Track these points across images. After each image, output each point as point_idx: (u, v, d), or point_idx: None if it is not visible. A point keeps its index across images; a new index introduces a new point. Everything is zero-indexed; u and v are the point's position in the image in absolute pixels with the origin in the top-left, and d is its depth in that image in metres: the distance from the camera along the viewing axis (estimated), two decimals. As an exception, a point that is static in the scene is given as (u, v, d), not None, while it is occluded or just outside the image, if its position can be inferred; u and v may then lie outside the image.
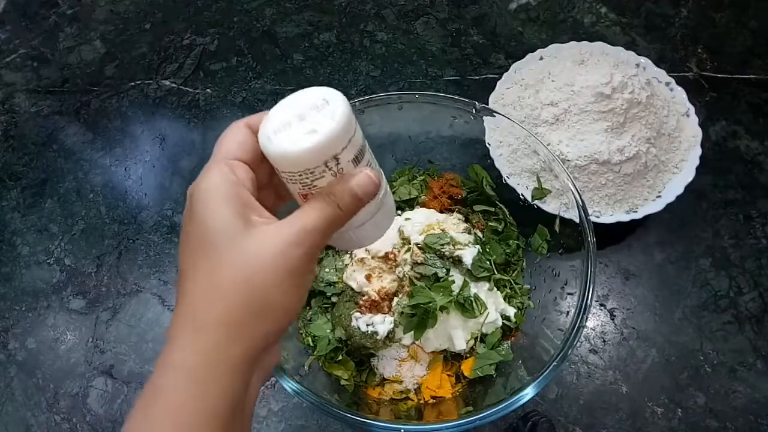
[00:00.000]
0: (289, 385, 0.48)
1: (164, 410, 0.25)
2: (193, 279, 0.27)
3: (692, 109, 0.72)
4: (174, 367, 0.26)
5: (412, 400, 0.57)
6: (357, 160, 0.29)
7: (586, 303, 0.50)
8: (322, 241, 0.29)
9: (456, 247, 0.57)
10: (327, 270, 0.60)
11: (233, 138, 0.29)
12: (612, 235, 0.71)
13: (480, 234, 0.62)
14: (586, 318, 0.49)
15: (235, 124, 0.30)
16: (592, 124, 0.66)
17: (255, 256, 0.26)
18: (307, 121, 0.28)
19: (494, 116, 0.59)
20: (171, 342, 0.26)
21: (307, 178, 0.28)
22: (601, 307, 0.69)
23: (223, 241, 0.26)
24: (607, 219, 0.68)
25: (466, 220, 0.64)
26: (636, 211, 0.68)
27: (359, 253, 0.59)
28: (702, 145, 0.70)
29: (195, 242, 0.27)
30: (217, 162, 0.28)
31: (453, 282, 0.54)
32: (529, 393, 0.47)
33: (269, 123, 0.29)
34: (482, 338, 0.57)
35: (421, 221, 0.60)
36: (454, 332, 0.55)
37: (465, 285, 0.55)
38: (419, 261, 0.56)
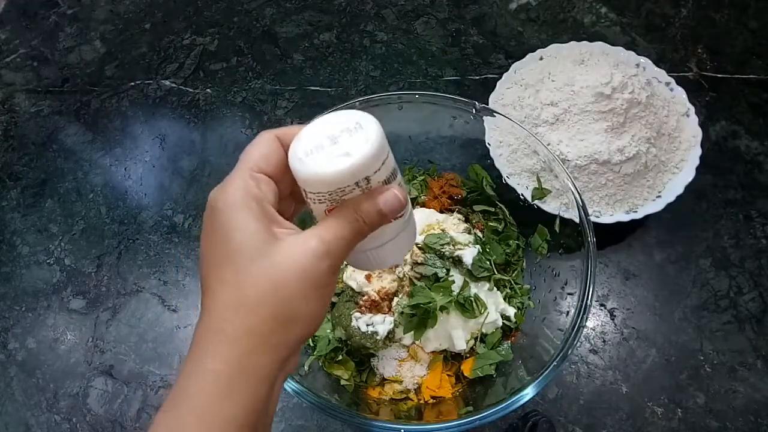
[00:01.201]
0: (289, 385, 0.48)
1: (191, 413, 0.26)
2: (220, 291, 0.27)
3: (692, 109, 0.72)
4: (203, 373, 0.26)
5: (412, 400, 0.57)
6: (387, 181, 0.29)
7: (586, 303, 0.50)
8: (346, 253, 0.29)
9: (456, 247, 0.57)
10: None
11: (260, 149, 0.29)
12: (612, 235, 0.71)
13: (480, 234, 0.62)
14: (586, 318, 0.50)
15: (265, 134, 0.30)
16: (592, 124, 0.66)
17: (282, 269, 0.27)
18: (339, 144, 0.28)
19: (494, 116, 0.59)
20: (198, 351, 0.27)
21: (337, 195, 0.29)
22: (601, 307, 0.69)
23: (249, 253, 0.27)
24: (607, 219, 0.68)
25: (466, 220, 0.64)
26: (636, 211, 0.68)
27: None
28: (702, 145, 0.70)
29: (220, 255, 0.28)
30: (241, 173, 0.29)
31: (453, 282, 0.55)
32: (529, 393, 0.47)
33: (300, 144, 0.29)
34: (482, 338, 0.57)
35: (421, 221, 0.60)
36: (454, 332, 0.55)
37: (465, 285, 0.55)
38: (419, 261, 0.56)
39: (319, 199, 0.29)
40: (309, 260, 0.27)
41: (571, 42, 0.77)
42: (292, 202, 0.33)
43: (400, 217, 0.31)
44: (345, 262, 0.54)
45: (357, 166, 0.27)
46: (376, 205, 0.29)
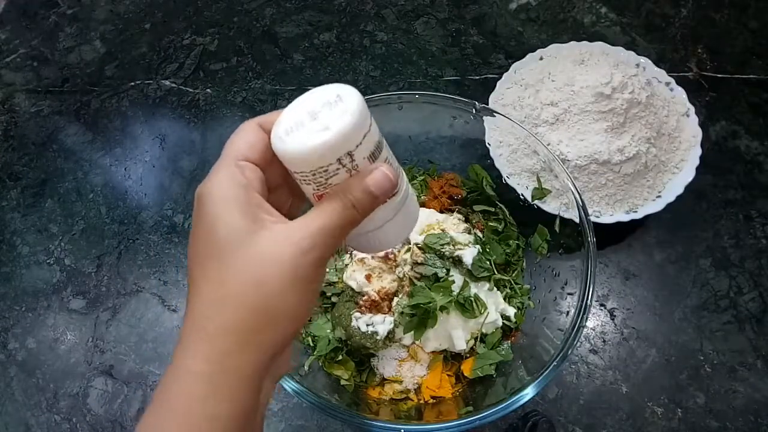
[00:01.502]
0: (289, 385, 0.48)
1: (173, 414, 0.25)
2: (203, 285, 0.26)
3: (692, 109, 0.72)
4: (185, 373, 0.26)
5: (412, 400, 0.57)
6: (373, 156, 0.28)
7: (586, 303, 0.50)
8: (335, 244, 0.28)
9: (456, 247, 0.57)
10: (327, 270, 0.60)
11: (243, 138, 0.29)
12: (612, 235, 0.71)
13: (480, 234, 0.62)
14: (586, 318, 0.50)
15: (247, 123, 0.29)
16: (592, 124, 0.66)
17: (264, 263, 0.26)
18: (319, 120, 0.27)
19: (494, 116, 0.59)
20: (181, 348, 0.26)
21: (321, 176, 0.28)
22: (601, 307, 0.69)
23: (232, 246, 0.26)
24: (607, 219, 0.68)
25: (466, 220, 0.64)
26: (636, 211, 0.68)
27: (359, 253, 0.59)
28: (702, 145, 0.70)
29: (204, 247, 0.27)
30: (225, 163, 0.28)
31: (453, 282, 0.54)
32: (529, 393, 0.47)
33: (281, 124, 0.28)
34: (482, 338, 0.57)
35: (421, 221, 0.60)
36: (454, 332, 0.55)
37: (465, 285, 0.55)
38: (419, 261, 0.56)
39: (305, 180, 0.28)
40: (292, 253, 0.26)
41: (571, 42, 0.77)
42: (288, 195, 0.32)
43: (395, 195, 0.30)
44: (343, 258, 0.54)
45: (335, 140, 0.26)
46: (366, 186, 0.28)
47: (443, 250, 0.56)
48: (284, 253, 0.26)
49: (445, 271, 0.55)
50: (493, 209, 0.65)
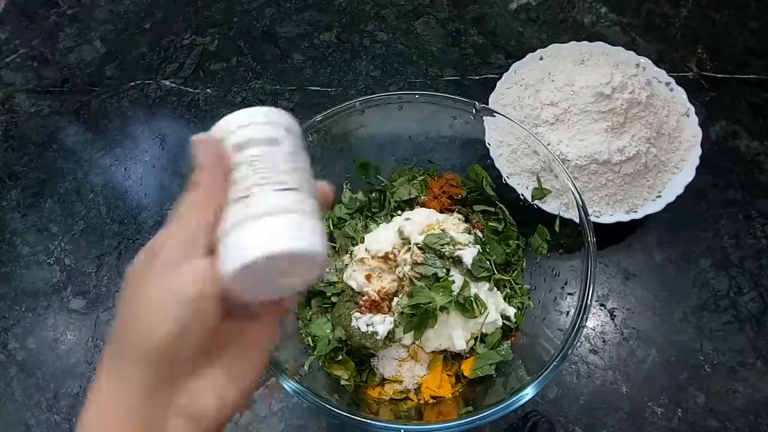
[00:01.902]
0: (289, 385, 0.48)
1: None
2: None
3: (692, 109, 0.72)
4: (96, 390, 0.27)
5: (412, 400, 0.57)
6: (239, 147, 0.30)
7: (586, 303, 0.50)
8: (188, 236, 0.27)
9: (456, 247, 0.57)
10: (327, 270, 0.60)
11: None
12: (612, 235, 0.71)
13: (480, 234, 0.62)
14: (586, 318, 0.50)
15: None
16: (592, 124, 0.66)
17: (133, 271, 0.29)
18: None
19: (494, 116, 0.59)
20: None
21: None
22: (601, 307, 0.69)
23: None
24: (607, 219, 0.68)
25: (466, 220, 0.64)
26: (636, 211, 0.68)
27: (359, 253, 0.59)
28: (702, 145, 0.70)
29: None
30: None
31: (453, 282, 0.54)
32: (529, 393, 0.47)
33: None
34: (482, 338, 0.57)
35: (421, 221, 0.60)
36: (454, 332, 0.55)
37: (465, 285, 0.55)
38: (419, 261, 0.55)
39: None
40: (146, 259, 0.29)
41: (571, 42, 0.77)
42: None
43: (244, 198, 0.27)
44: (343, 258, 0.53)
45: (215, 127, 0.31)
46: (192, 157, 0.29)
47: (443, 250, 0.56)
48: (143, 262, 0.28)
49: (445, 271, 0.55)
50: (493, 209, 0.65)
